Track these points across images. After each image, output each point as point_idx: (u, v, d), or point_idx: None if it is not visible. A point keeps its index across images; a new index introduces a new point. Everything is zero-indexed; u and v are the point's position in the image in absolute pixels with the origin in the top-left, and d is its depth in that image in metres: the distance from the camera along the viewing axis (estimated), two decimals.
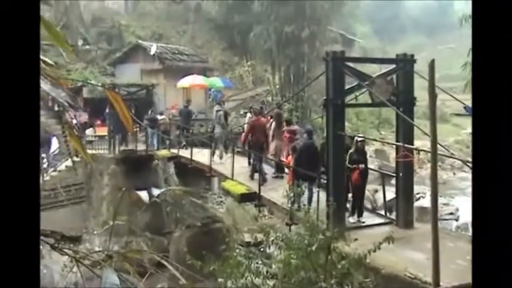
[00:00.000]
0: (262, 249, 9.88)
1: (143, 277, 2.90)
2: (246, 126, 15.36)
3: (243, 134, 14.65)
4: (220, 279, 9.19)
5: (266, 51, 30.88)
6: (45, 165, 22.21)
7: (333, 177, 10.23)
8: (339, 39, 35.52)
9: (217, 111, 17.22)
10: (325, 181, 10.49)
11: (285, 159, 13.52)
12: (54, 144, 23.03)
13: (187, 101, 21.70)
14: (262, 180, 13.01)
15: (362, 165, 11.02)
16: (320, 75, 12.35)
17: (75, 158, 19.69)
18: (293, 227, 10.81)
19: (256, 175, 13.31)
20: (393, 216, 11.17)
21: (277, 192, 12.54)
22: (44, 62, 2.14)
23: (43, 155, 22.12)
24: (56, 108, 25.22)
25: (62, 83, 2.22)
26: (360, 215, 11.12)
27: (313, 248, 7.57)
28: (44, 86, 1.92)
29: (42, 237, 2.32)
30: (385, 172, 14.06)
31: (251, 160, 14.58)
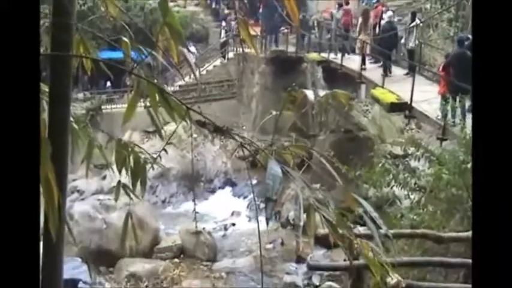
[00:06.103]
0: (406, 162, 9.70)
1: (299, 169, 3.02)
2: None
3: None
4: (365, 185, 9.35)
5: None
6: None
7: None
8: None
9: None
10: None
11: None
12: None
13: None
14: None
15: None
16: None
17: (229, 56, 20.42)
18: (443, 143, 10.41)
19: None
20: None
21: (430, 105, 11.96)
22: None
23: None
24: (213, 6, 26.16)
25: None
26: None
27: (468, 165, 7.27)
28: None
29: (198, 127, 2.47)
30: None
31: None
